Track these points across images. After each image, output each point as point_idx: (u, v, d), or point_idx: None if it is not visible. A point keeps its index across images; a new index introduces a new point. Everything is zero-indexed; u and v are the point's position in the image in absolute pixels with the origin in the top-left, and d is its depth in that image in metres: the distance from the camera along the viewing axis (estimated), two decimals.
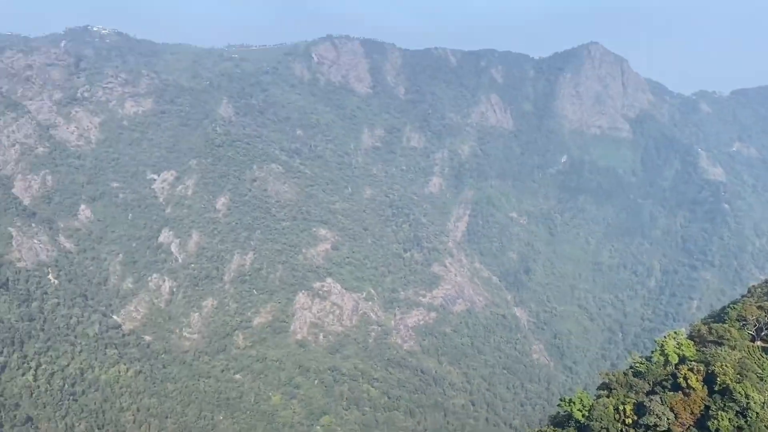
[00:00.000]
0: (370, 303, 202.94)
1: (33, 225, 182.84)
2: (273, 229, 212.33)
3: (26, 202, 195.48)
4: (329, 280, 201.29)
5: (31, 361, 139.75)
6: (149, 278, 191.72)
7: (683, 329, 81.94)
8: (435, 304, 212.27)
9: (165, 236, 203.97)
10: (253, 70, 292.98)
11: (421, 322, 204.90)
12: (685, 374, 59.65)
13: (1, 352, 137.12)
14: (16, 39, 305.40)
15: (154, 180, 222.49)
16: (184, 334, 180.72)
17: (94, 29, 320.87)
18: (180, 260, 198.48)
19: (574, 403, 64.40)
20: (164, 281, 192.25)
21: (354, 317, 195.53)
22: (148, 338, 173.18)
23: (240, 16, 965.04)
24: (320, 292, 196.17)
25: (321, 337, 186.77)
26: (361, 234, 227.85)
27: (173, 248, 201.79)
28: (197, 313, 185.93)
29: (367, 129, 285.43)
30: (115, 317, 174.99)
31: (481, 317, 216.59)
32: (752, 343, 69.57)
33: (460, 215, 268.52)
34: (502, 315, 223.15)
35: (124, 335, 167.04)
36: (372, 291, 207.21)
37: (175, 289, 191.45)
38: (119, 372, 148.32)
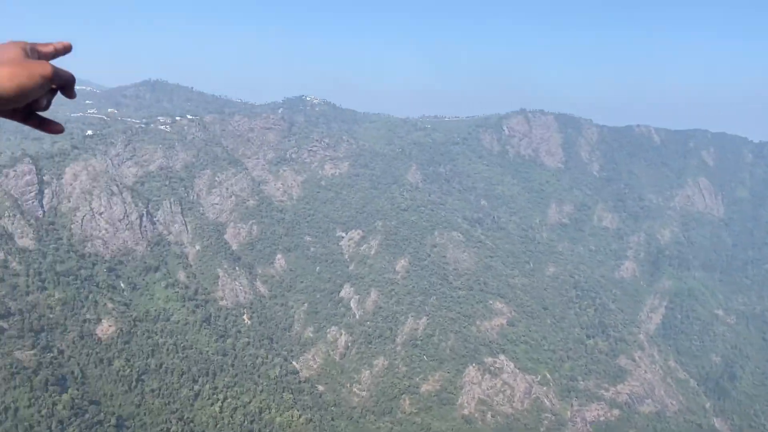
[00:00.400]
0: (545, 388, 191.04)
1: (237, 268, 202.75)
2: (448, 296, 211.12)
3: (234, 247, 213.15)
4: (502, 357, 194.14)
5: (219, 393, 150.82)
6: (328, 330, 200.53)
7: None
8: (619, 401, 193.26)
9: (346, 291, 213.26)
10: (443, 139, 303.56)
11: (602, 418, 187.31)
12: None
13: (197, 381, 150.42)
14: (243, 105, 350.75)
15: (342, 237, 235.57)
16: (354, 389, 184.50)
17: (307, 98, 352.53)
18: (357, 316, 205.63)
19: None
20: (341, 335, 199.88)
21: (526, 400, 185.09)
22: (321, 388, 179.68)
23: (436, 88, 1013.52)
24: (492, 368, 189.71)
25: (489, 416, 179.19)
26: (540, 313, 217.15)
27: (352, 304, 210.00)
28: (368, 371, 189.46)
29: (554, 204, 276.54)
30: (294, 363, 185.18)
31: (672, 423, 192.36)
32: None
33: (655, 306, 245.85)
34: (698, 424, 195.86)
35: (300, 382, 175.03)
36: (548, 375, 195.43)
37: (350, 344, 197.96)
38: (292, 417, 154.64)
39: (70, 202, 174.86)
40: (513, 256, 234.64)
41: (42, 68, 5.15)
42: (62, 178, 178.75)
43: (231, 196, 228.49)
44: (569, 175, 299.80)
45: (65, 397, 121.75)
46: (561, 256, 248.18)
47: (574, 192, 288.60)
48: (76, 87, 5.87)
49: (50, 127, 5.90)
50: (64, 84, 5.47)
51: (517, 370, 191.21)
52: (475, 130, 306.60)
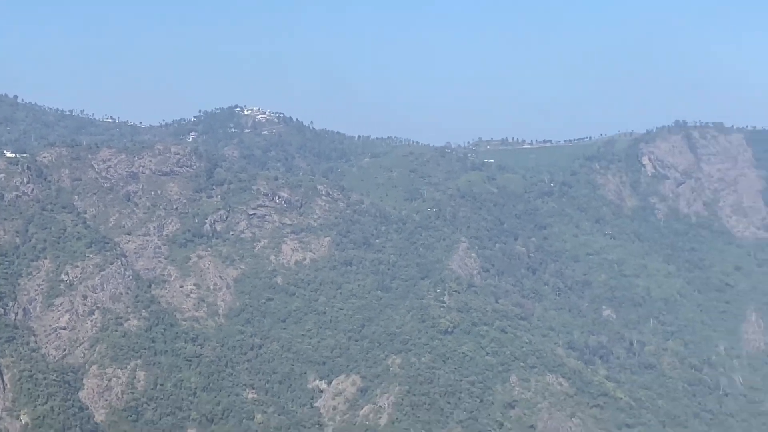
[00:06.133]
0: None
1: None
2: None
3: (99, 418, 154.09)
4: None
5: None
6: None
7: None
8: None
9: None
10: (521, 187, 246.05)
11: None
12: None
13: None
14: (118, 129, 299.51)
15: (320, 391, 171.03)
16: None
17: (246, 111, 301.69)
18: None
19: None
20: None
21: None
22: None
23: (505, 89, 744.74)
24: None
25: None
26: None
27: None
28: None
29: (755, 315, 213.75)
30: None
31: None
32: None
33: None
34: None
35: None
36: None
37: None
38: None
39: None
40: (673, 423, 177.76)
41: None
42: None
43: (92, 312, 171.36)
44: None
45: None
46: None
47: None
48: None
49: None
50: None
51: None
52: (585, 168, 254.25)
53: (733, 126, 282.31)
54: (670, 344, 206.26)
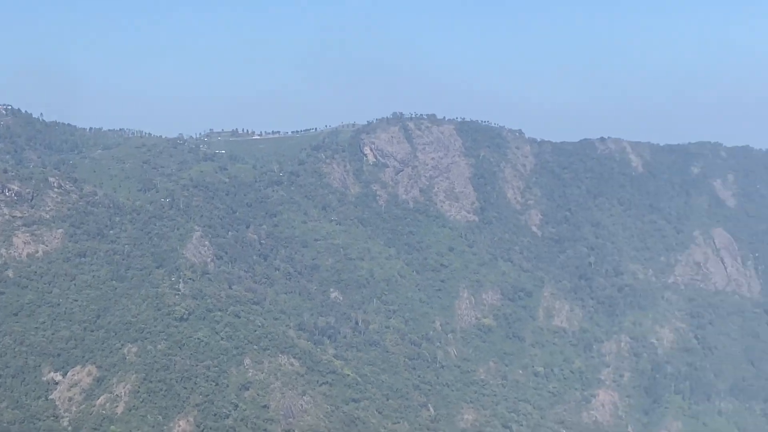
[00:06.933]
0: None
1: None
2: None
3: None
4: None
5: None
6: None
7: None
8: None
9: None
10: (252, 176, 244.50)
11: None
12: None
13: None
14: None
15: (55, 382, 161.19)
16: None
17: None
18: None
19: None
20: None
21: None
22: None
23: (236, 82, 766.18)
24: None
25: None
26: None
27: None
28: None
29: (467, 292, 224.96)
30: None
31: None
32: None
33: None
34: None
35: None
36: None
37: None
38: None
39: None
40: (396, 395, 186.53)
41: None
42: None
43: None
44: (489, 233, 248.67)
45: None
46: (484, 390, 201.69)
47: (499, 265, 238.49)
48: None
49: None
50: None
51: None
52: (312, 157, 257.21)
53: (444, 117, 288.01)
54: (393, 322, 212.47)
